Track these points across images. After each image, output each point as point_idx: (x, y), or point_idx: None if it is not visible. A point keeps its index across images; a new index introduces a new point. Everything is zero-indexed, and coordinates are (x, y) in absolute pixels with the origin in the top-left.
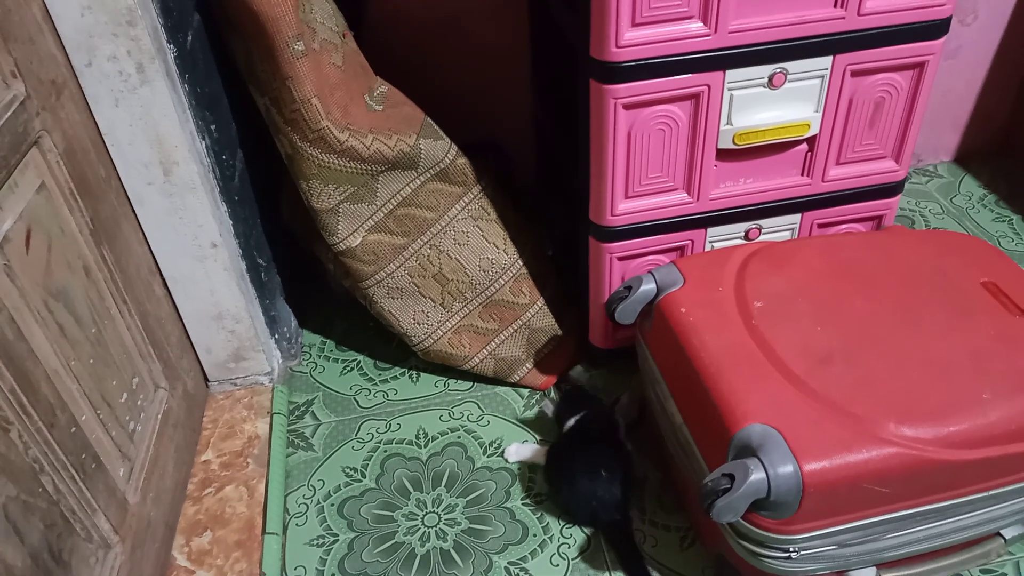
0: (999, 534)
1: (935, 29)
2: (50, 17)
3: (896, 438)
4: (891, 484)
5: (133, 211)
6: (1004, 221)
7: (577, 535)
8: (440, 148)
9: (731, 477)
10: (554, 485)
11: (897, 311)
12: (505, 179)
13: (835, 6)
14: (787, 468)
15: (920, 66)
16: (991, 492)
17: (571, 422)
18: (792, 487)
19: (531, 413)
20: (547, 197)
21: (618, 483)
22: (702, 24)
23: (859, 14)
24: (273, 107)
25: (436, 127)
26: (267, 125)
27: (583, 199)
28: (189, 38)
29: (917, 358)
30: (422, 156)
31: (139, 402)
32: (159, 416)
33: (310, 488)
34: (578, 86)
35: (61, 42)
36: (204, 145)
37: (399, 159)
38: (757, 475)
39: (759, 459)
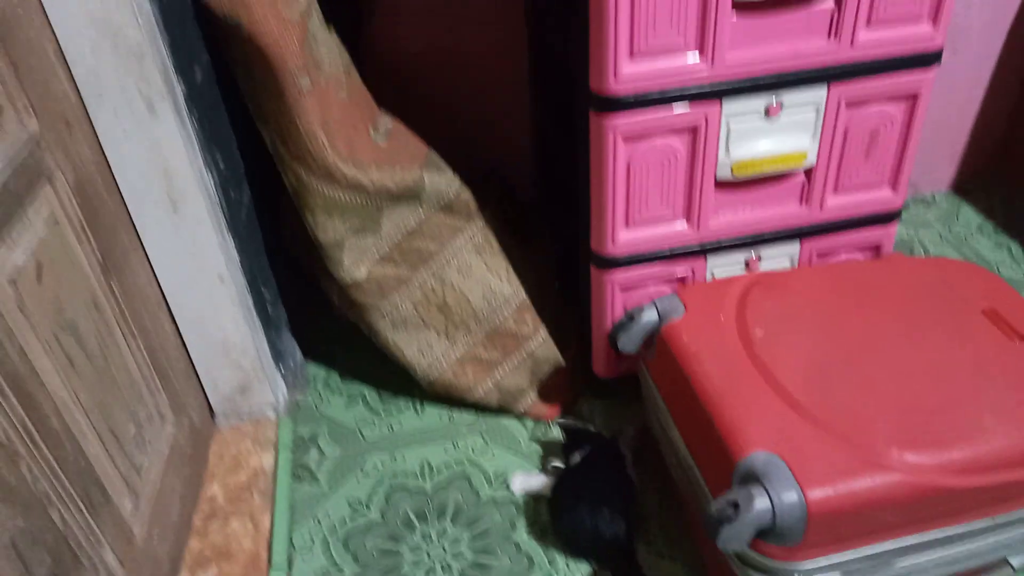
0: (1006, 561)
1: (927, 59)
2: (63, 56)
3: (899, 465)
4: (895, 511)
5: (141, 244)
6: (1003, 248)
7: (584, 568)
8: (444, 181)
9: (735, 505)
10: (557, 520)
11: (898, 339)
12: (510, 209)
13: (829, 38)
14: (791, 496)
15: (913, 96)
16: (996, 519)
17: (576, 456)
18: (797, 515)
19: (537, 443)
20: (550, 227)
21: (622, 519)
22: (699, 57)
23: (852, 46)
24: (280, 141)
25: (440, 161)
26: (274, 159)
27: (584, 229)
28: (198, 75)
29: (919, 385)
30: (426, 189)
31: (146, 435)
32: (165, 450)
33: (315, 521)
34: (578, 118)
35: (74, 80)
36: (212, 179)
37: (403, 192)
38: (761, 503)
39: (763, 487)
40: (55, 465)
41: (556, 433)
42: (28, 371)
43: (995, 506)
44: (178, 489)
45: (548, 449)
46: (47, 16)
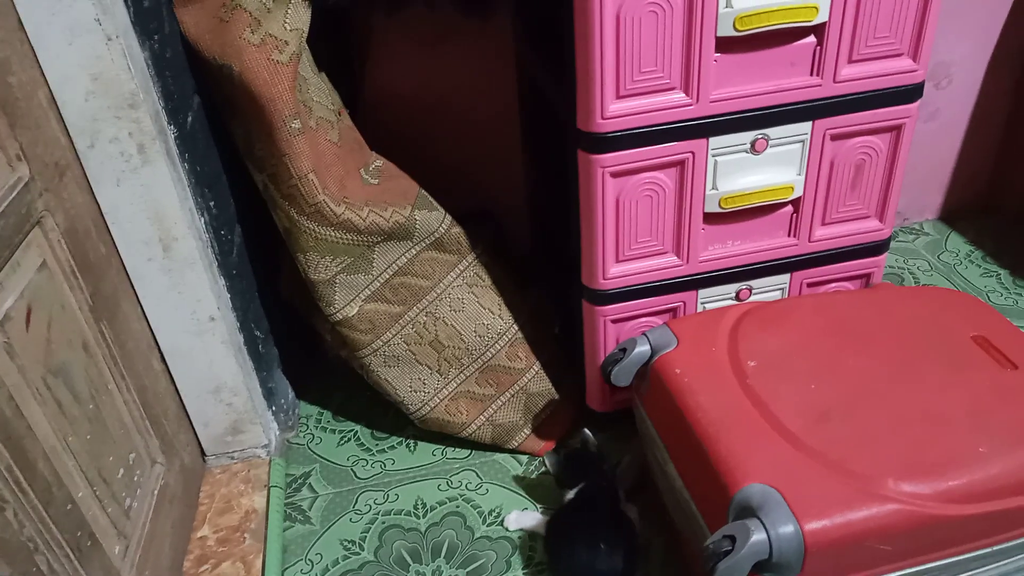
0: None
1: (909, 93)
2: (55, 102)
3: (896, 494)
4: (894, 541)
5: (132, 287)
6: (992, 276)
7: None
8: (435, 218)
9: (732, 539)
10: (553, 558)
11: (890, 367)
12: (501, 247)
13: (811, 74)
14: (788, 528)
15: (897, 129)
16: (995, 548)
17: (571, 493)
18: (794, 547)
19: (531, 479)
20: (544, 265)
21: (619, 555)
22: (684, 94)
23: (835, 81)
24: (271, 183)
25: (431, 199)
26: (265, 200)
27: (575, 264)
28: (189, 119)
29: (913, 413)
30: (417, 227)
31: (136, 478)
32: (156, 492)
33: (308, 562)
34: (567, 156)
35: (65, 125)
36: (203, 222)
37: (395, 230)
38: (758, 536)
39: (760, 520)
40: (42, 511)
41: (555, 464)
42: (16, 416)
43: (994, 534)
44: (168, 532)
45: (544, 483)
46: (39, 63)
